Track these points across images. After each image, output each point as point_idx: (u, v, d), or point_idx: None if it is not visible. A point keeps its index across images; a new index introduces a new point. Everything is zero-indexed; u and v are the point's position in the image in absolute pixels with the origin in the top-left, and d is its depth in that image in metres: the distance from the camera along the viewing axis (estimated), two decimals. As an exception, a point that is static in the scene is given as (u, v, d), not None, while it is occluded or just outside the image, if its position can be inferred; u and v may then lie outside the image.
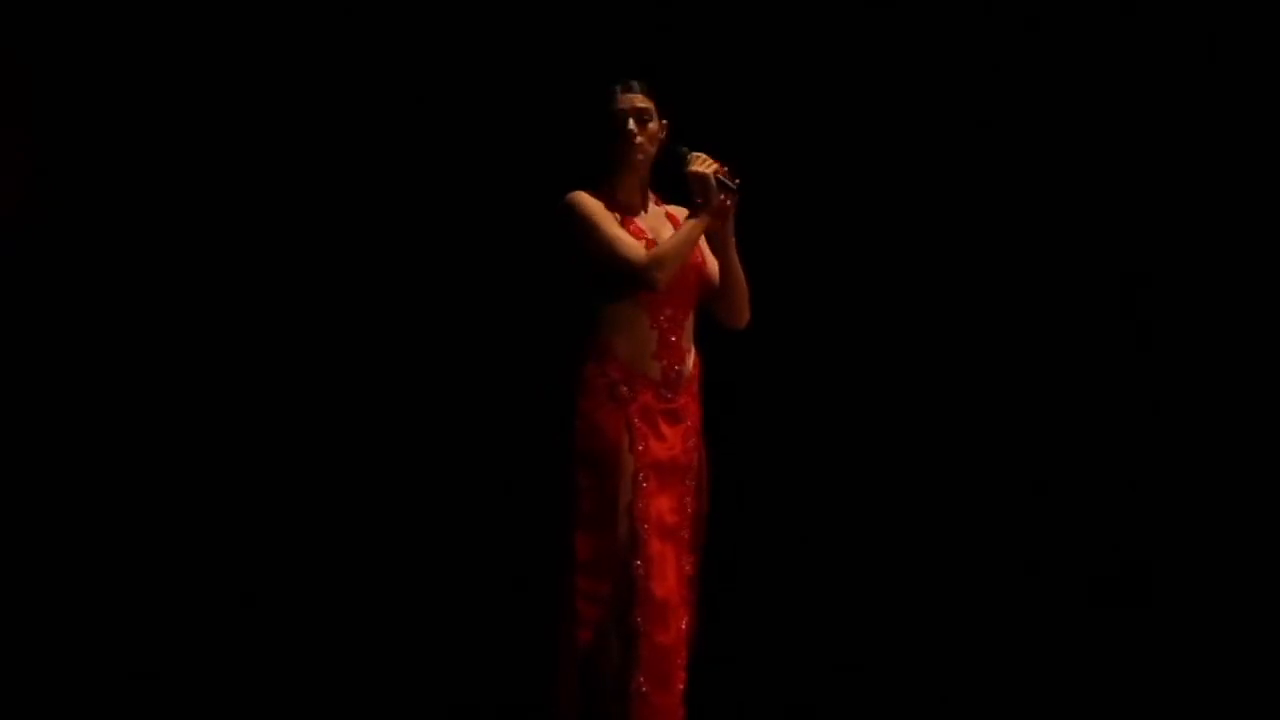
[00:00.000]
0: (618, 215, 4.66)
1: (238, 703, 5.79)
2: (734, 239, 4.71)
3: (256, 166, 6.08)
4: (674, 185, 4.68)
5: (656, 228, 4.70)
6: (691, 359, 4.74)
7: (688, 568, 4.66)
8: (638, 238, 4.63)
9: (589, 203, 4.64)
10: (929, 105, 6.15)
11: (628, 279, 4.58)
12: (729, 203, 4.61)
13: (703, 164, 4.57)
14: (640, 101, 4.65)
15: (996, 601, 6.05)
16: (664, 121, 4.69)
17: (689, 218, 4.61)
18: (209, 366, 6.09)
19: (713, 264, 4.76)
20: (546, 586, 4.61)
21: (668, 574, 4.55)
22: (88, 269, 6.02)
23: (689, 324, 4.74)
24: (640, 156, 4.67)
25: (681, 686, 4.58)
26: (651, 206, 4.75)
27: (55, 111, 6.02)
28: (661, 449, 4.62)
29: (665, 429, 4.65)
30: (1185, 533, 5.98)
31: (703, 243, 4.75)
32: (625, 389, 4.63)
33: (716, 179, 4.55)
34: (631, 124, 4.63)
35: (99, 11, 5.98)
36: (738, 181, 4.59)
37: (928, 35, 6.12)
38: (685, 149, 4.63)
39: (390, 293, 6.12)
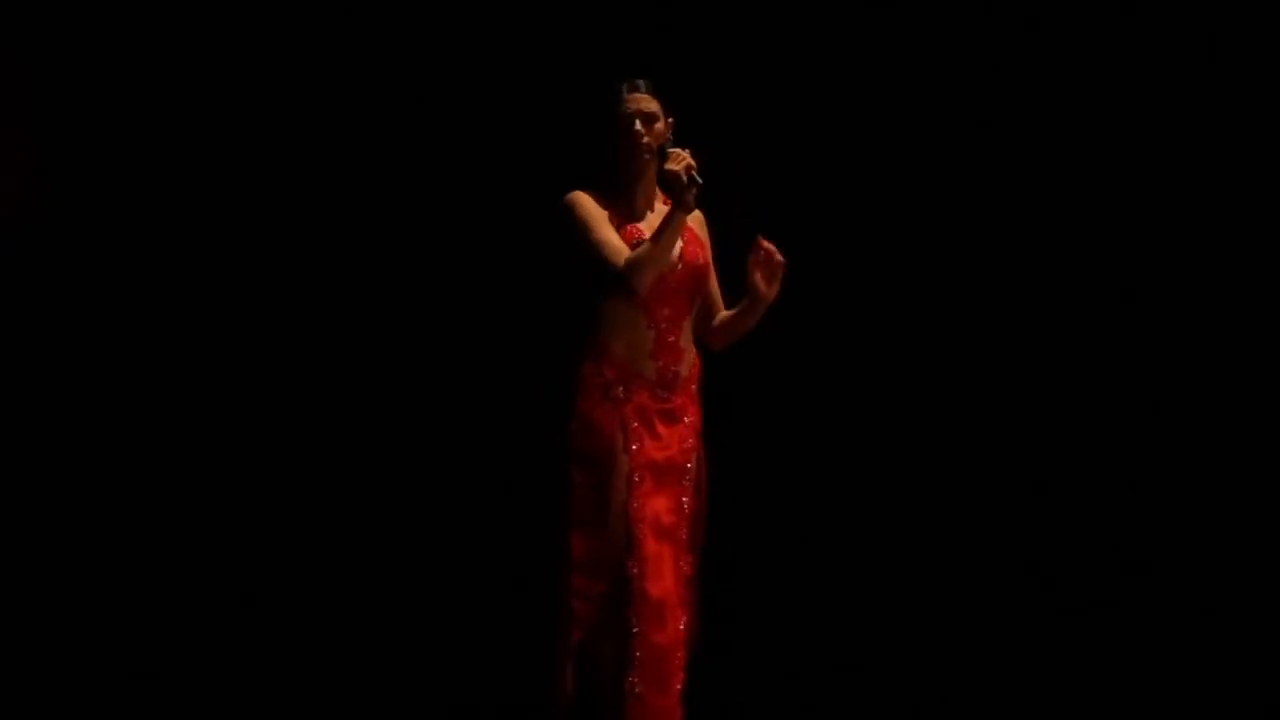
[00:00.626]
0: (616, 218, 4.65)
1: (238, 703, 5.79)
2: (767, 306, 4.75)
3: (257, 166, 6.08)
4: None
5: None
6: (690, 359, 4.74)
7: (686, 568, 4.65)
8: (637, 240, 4.62)
9: (585, 204, 4.63)
10: (928, 106, 6.15)
11: (611, 282, 4.58)
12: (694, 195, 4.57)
13: (675, 161, 4.55)
14: (647, 103, 4.63)
15: (996, 601, 6.04)
16: (670, 120, 4.67)
17: (665, 217, 4.58)
18: (209, 366, 6.08)
19: (713, 277, 4.76)
20: (544, 586, 4.61)
21: (664, 574, 4.54)
22: (88, 269, 6.02)
23: (688, 325, 4.73)
24: (647, 157, 4.66)
25: (679, 686, 4.57)
26: (658, 206, 4.73)
27: (55, 111, 6.01)
28: (657, 449, 4.62)
29: (661, 429, 4.64)
30: (1185, 533, 5.97)
31: (709, 246, 4.75)
32: (620, 389, 4.62)
33: (688, 175, 4.53)
34: (639, 125, 4.61)
35: (99, 11, 5.98)
36: (699, 179, 4.55)
37: (928, 35, 6.11)
38: (667, 146, 4.62)
39: (391, 293, 6.11)
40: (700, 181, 4.51)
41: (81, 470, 5.99)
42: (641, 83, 4.66)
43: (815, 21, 6.12)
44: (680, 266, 4.68)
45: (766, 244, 4.68)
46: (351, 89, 6.12)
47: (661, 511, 4.59)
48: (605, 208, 4.65)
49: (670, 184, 4.54)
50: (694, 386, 4.75)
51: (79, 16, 5.98)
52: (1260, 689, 5.72)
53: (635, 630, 4.49)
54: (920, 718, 5.85)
